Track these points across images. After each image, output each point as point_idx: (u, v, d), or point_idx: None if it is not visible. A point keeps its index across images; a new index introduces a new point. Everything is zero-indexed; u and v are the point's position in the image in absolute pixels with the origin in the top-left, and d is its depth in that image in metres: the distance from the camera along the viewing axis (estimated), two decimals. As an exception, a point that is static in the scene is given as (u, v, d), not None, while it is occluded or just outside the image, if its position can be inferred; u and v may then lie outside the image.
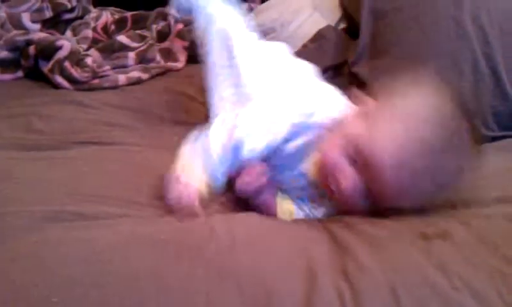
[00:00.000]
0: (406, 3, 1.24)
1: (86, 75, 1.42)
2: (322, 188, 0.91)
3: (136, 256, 0.72)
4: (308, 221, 0.91)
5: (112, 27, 1.72)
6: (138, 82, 1.49)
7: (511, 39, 1.20)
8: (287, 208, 0.96)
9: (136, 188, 0.95)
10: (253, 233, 0.80)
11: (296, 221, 0.92)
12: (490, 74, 1.19)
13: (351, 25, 1.38)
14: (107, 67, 1.47)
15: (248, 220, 0.85)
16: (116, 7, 1.88)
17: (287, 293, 0.67)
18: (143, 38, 1.61)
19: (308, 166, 0.93)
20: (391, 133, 0.82)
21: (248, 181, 0.91)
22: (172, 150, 1.12)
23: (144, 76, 1.50)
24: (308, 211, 0.96)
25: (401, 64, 1.20)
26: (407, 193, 0.82)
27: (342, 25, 1.44)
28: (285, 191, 0.97)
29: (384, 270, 0.71)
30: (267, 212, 0.93)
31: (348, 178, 0.85)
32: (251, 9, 1.70)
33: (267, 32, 1.52)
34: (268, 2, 1.66)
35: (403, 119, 0.83)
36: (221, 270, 0.69)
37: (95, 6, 1.88)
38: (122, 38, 1.59)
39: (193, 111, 1.35)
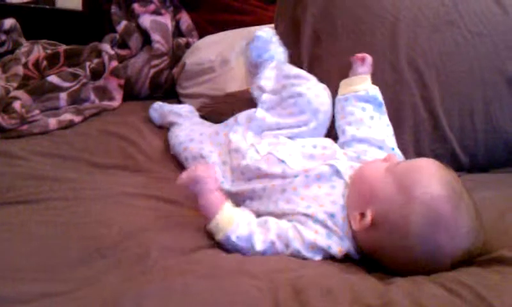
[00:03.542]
0: (344, 48, 1.21)
1: (14, 121, 1.34)
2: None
3: None
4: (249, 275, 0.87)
5: (44, 63, 1.63)
6: (70, 125, 1.41)
7: (447, 81, 1.19)
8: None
9: (59, 254, 0.91)
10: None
11: (235, 282, 0.86)
12: (429, 117, 1.18)
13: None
14: (37, 111, 1.39)
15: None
16: (48, 39, 1.81)
17: None
18: (75, 77, 1.54)
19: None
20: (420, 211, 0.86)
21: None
22: (102, 199, 1.08)
23: (77, 118, 1.43)
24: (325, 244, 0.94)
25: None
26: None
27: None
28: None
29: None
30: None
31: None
32: (188, 45, 1.65)
33: (206, 72, 1.48)
34: (206, 38, 1.61)
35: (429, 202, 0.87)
36: None
37: (26, 39, 1.80)
38: (53, 78, 1.50)
39: (126, 153, 1.31)
